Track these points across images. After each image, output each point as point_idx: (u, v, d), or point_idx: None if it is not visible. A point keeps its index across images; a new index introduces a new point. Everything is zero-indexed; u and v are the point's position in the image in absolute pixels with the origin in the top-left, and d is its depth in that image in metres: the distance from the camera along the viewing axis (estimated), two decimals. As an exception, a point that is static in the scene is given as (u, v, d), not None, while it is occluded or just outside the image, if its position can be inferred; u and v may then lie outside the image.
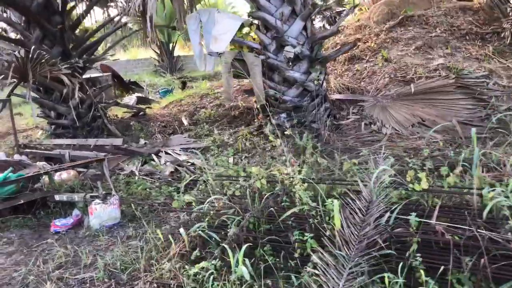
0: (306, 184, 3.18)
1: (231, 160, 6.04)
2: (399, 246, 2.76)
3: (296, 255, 3.02)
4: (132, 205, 4.64)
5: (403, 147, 5.74)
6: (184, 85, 14.74)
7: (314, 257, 2.68)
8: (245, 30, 6.95)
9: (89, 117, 7.87)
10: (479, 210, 2.64)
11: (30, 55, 6.37)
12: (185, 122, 8.29)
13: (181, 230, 3.09)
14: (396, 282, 2.44)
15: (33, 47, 6.59)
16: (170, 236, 3.39)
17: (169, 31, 19.59)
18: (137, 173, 5.96)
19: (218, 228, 3.35)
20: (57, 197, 4.76)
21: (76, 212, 4.59)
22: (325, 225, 2.88)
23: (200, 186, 4.37)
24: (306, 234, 2.83)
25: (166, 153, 6.34)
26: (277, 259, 3.03)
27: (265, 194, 3.37)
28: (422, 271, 2.49)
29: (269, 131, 3.77)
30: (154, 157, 6.30)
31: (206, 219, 3.25)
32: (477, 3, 8.90)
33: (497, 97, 6.23)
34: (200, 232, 3.22)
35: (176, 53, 21.78)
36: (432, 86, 6.59)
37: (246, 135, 6.84)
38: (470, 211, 2.74)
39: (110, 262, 3.57)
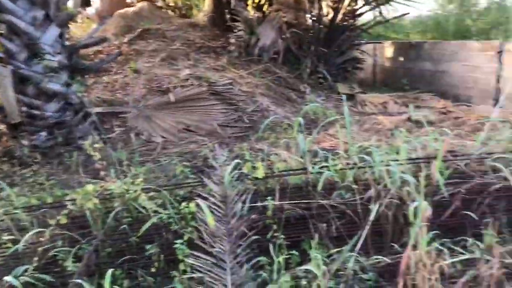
0: (152, 193, 2.96)
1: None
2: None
3: (153, 270, 2.82)
4: None
5: (178, 152, 5.95)
6: None
7: (190, 260, 2.57)
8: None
9: None
10: (313, 187, 3.10)
11: None
12: None
13: (8, 278, 2.37)
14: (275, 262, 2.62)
15: None
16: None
17: None
18: None
19: (45, 268, 2.73)
20: None
21: None
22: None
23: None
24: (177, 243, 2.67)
25: None
26: (140, 279, 2.74)
27: (99, 215, 2.95)
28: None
29: (88, 145, 3.23)
30: None
31: (35, 259, 2.59)
32: (202, 21, 10.01)
33: (243, 101, 7.22)
34: (26, 277, 2.55)
35: None
36: (189, 94, 7.04)
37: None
38: (303, 188, 3.18)
39: None
